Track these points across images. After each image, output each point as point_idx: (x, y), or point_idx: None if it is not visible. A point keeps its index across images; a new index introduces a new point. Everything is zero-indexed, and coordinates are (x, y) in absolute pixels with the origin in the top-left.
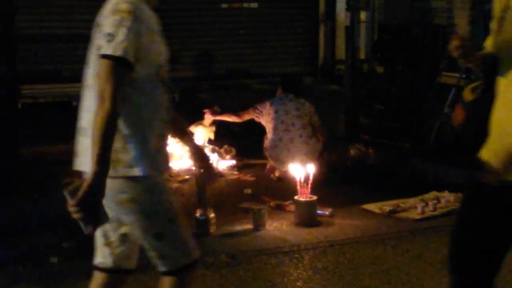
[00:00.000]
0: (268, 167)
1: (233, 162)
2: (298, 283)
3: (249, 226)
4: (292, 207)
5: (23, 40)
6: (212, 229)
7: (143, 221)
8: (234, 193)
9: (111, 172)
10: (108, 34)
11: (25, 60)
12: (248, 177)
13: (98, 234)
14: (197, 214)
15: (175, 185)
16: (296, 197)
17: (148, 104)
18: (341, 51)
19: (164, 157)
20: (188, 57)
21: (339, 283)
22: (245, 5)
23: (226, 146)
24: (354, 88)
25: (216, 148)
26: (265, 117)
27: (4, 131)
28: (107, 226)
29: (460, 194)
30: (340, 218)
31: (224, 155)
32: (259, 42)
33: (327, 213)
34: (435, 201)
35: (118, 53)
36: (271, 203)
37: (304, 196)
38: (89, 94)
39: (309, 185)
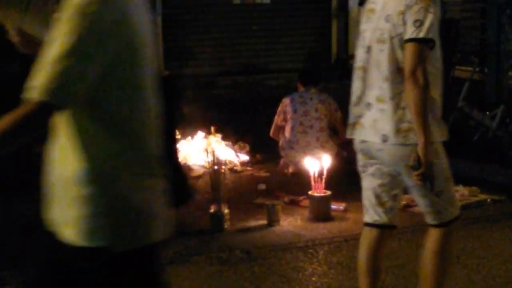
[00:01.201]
0: (281, 162)
1: (247, 158)
2: (313, 278)
3: (263, 221)
4: (306, 202)
5: None
6: (227, 225)
7: (429, 181)
8: (248, 189)
9: (402, 140)
10: (417, 21)
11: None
12: (262, 173)
13: (370, 195)
14: (212, 210)
15: (189, 180)
16: (310, 192)
17: (436, 77)
18: (354, 47)
19: (444, 124)
20: (201, 53)
21: (354, 278)
22: (258, 1)
23: (240, 142)
24: None
25: (230, 144)
26: (286, 115)
27: None
28: (380, 189)
29: (474, 188)
30: (354, 213)
31: (238, 151)
32: (271, 38)
33: (341, 207)
34: None
35: (429, 35)
36: (285, 199)
37: (318, 191)
38: (365, 75)
39: (323, 180)
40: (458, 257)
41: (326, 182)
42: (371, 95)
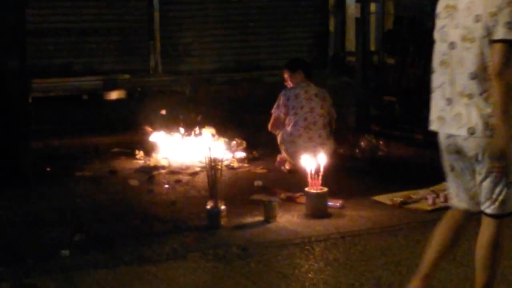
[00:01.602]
0: (278, 159)
1: (244, 154)
2: (309, 275)
3: (260, 218)
4: (302, 199)
5: (34, 34)
6: (223, 221)
7: (505, 171)
8: (245, 185)
9: (490, 133)
10: (508, 22)
11: (36, 54)
12: (259, 170)
13: (457, 190)
14: (208, 207)
15: (186, 177)
16: (306, 189)
17: None
18: (351, 43)
19: None
20: (199, 50)
21: (350, 274)
22: None
23: (237, 139)
24: (365, 80)
25: (227, 140)
26: (288, 108)
27: (15, 124)
28: (469, 184)
29: None
30: (351, 210)
31: (235, 147)
32: (269, 35)
33: (338, 204)
34: (446, 192)
35: None
36: (282, 195)
37: (314, 187)
38: (447, 70)
39: (320, 177)
40: (454, 254)
41: (322, 179)
42: (453, 90)
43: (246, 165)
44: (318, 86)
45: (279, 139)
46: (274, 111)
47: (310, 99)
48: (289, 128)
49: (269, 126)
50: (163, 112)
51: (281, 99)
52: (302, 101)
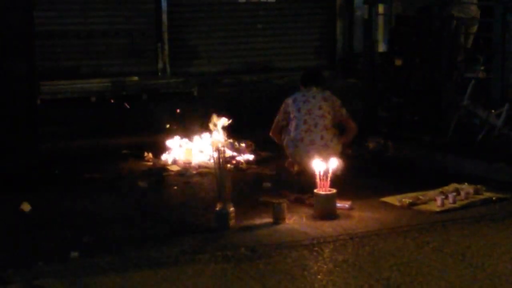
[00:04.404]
0: (289, 160)
1: (253, 156)
2: (319, 276)
3: (268, 219)
4: (311, 201)
5: (42, 37)
6: (232, 222)
7: None
8: (253, 187)
9: None
10: None
11: (44, 57)
12: (268, 171)
13: None
14: (217, 208)
15: (194, 178)
16: (315, 191)
17: None
18: (359, 45)
19: None
20: (207, 51)
21: (359, 275)
22: None
23: (246, 140)
24: (373, 81)
25: (236, 142)
26: (289, 115)
27: (23, 127)
28: None
29: (480, 186)
30: (359, 211)
31: (244, 149)
32: (277, 36)
33: (346, 206)
34: (454, 194)
35: None
36: (291, 197)
37: (323, 189)
38: None
39: (329, 179)
40: (463, 255)
41: (331, 180)
42: None
43: (254, 166)
44: (323, 90)
45: (284, 144)
46: (276, 117)
47: (308, 101)
48: (291, 134)
49: (271, 131)
50: None
51: (282, 106)
52: (298, 104)
